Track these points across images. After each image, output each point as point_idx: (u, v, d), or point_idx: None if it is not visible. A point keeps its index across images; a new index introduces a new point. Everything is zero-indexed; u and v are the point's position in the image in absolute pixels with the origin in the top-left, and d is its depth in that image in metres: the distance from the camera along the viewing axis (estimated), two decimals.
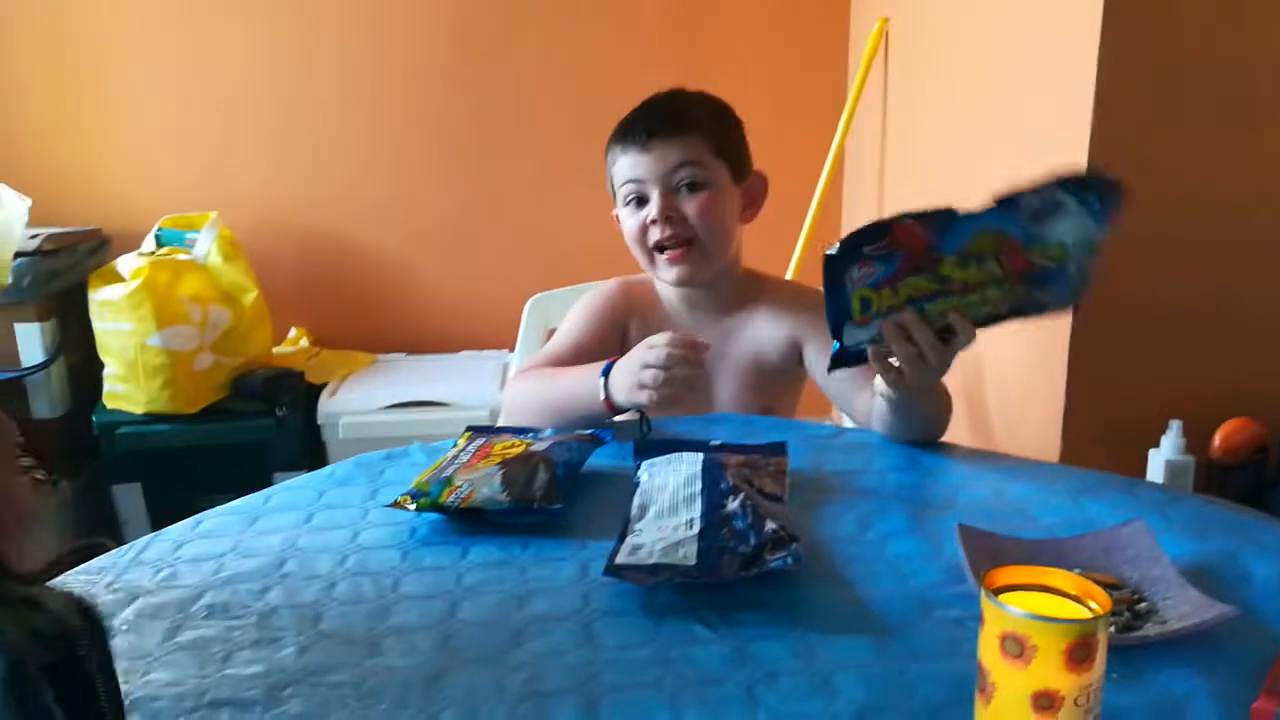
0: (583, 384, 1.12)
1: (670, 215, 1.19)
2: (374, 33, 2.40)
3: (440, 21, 2.41)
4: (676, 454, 0.97)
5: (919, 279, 0.95)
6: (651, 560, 0.78)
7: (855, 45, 2.45)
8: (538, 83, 2.45)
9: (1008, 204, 0.93)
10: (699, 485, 0.88)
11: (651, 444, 1.02)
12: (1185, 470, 1.35)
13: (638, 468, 0.97)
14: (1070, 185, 0.92)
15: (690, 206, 1.19)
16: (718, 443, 1.02)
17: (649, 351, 1.04)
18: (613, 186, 1.26)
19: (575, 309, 1.32)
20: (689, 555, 0.78)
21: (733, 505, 0.85)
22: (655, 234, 1.20)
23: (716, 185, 1.21)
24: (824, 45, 2.49)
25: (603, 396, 1.09)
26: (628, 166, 1.21)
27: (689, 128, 1.20)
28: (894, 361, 0.97)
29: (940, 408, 1.09)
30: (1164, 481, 1.35)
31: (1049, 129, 1.46)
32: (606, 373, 1.09)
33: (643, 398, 1.04)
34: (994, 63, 1.67)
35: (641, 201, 1.21)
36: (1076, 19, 1.34)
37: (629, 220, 1.23)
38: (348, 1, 2.38)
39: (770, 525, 0.82)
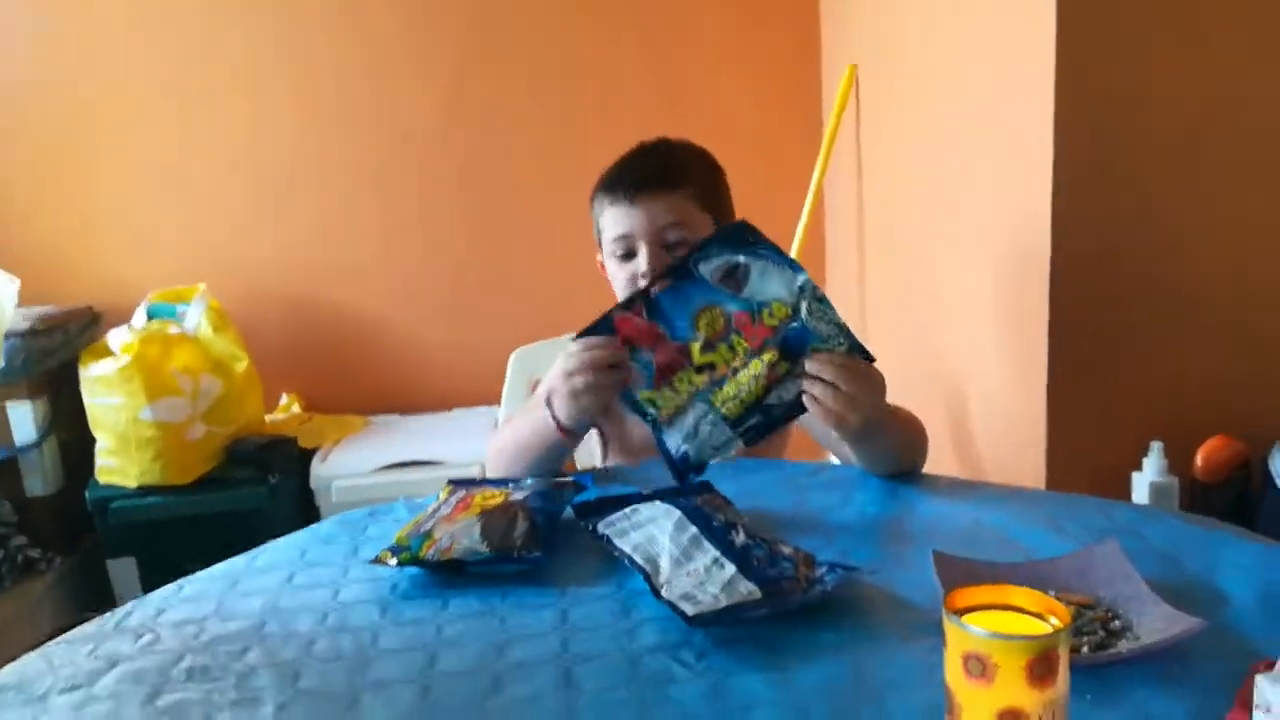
0: (539, 417, 1.13)
1: (657, 270, 1.20)
2: (359, 96, 2.46)
3: (423, 87, 2.47)
4: (630, 509, 0.94)
5: (684, 373, 1.02)
6: (721, 605, 0.76)
7: (828, 90, 2.50)
8: (522, 142, 2.51)
9: (688, 276, 1.01)
10: (693, 529, 0.87)
11: (588, 505, 0.98)
12: (1169, 491, 1.36)
13: (591, 529, 0.92)
14: (720, 244, 1.01)
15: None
16: (649, 491, 0.98)
17: (566, 359, 1.05)
18: (599, 234, 1.28)
19: (531, 401, 1.33)
20: (753, 591, 0.78)
21: (741, 539, 0.86)
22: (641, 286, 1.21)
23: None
24: (798, 91, 2.55)
25: (553, 424, 1.10)
26: (616, 220, 1.22)
27: (676, 184, 1.22)
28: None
29: (905, 437, 1.11)
30: (1149, 503, 1.35)
31: (1014, 164, 1.49)
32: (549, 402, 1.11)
33: (585, 402, 1.04)
34: (957, 103, 1.71)
35: (629, 255, 1.22)
36: (1031, 56, 1.38)
37: (618, 272, 1.24)
38: (332, 66, 2.44)
39: (785, 549, 0.85)
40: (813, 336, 1.00)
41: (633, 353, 1.03)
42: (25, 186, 2.40)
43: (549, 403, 1.10)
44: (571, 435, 1.13)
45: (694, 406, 1.02)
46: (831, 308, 1.00)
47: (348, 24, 2.42)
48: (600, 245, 1.29)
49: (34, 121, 2.38)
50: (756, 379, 1.00)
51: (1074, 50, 1.33)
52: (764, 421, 1.01)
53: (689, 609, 0.76)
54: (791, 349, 1.00)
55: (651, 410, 1.03)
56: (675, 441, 1.03)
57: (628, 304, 1.05)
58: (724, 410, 1.01)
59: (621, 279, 1.23)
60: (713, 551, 0.83)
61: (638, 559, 0.85)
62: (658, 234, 1.20)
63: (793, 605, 0.78)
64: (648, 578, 0.82)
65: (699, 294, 1.02)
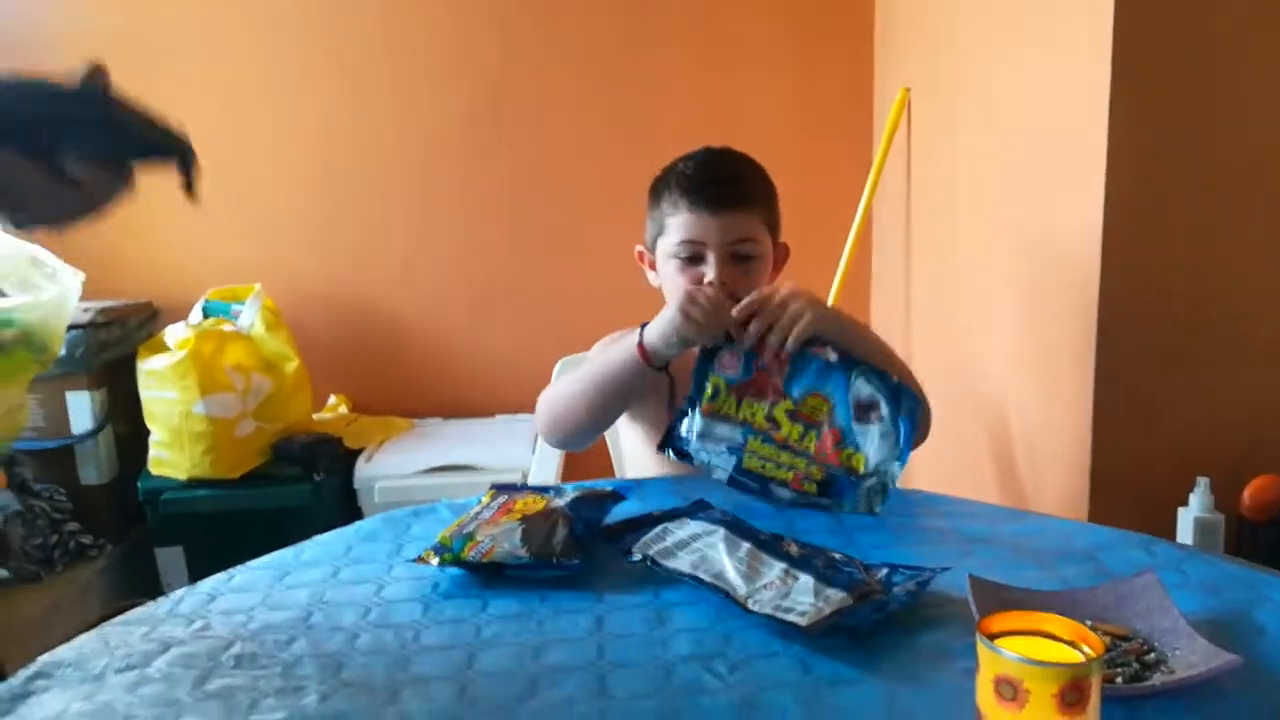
0: (616, 350, 1.18)
1: (724, 282, 1.22)
2: (410, 107, 2.51)
3: (472, 93, 2.51)
4: (659, 529, 0.93)
5: (759, 405, 1.07)
6: (826, 612, 0.76)
7: (879, 112, 2.50)
8: (564, 149, 2.54)
9: (846, 367, 1.06)
10: (746, 544, 0.88)
11: (612, 529, 0.98)
12: (1215, 528, 1.34)
13: (627, 553, 0.91)
14: (892, 392, 1.05)
15: (742, 275, 1.24)
16: (660, 511, 0.98)
17: (695, 290, 1.13)
18: (658, 229, 1.29)
19: (596, 349, 1.36)
20: (845, 597, 0.78)
21: (795, 550, 0.87)
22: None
23: (764, 257, 1.27)
24: (850, 113, 2.55)
25: (637, 344, 1.14)
26: (688, 226, 1.24)
27: (751, 200, 1.26)
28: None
29: (886, 355, 1.18)
30: (1193, 539, 1.33)
31: (1064, 192, 1.48)
32: (643, 327, 1.16)
33: (690, 328, 1.10)
34: (1008, 129, 1.71)
35: (695, 260, 1.25)
36: (1085, 86, 1.38)
37: (678, 274, 1.26)
38: (384, 77, 2.49)
39: (837, 556, 0.87)
40: (849, 498, 1.06)
41: (748, 354, 1.09)
42: None
43: (642, 328, 1.15)
44: (648, 363, 1.15)
45: (734, 428, 1.07)
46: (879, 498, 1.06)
47: (401, 31, 2.48)
48: (653, 239, 1.30)
49: None
50: (787, 469, 1.07)
51: (1129, 80, 1.33)
52: (756, 489, 1.09)
53: (798, 619, 0.76)
54: (827, 485, 1.06)
55: (708, 393, 1.08)
56: (690, 427, 1.08)
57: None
58: (745, 455, 1.08)
59: (681, 281, 1.25)
60: (779, 564, 0.84)
61: (706, 578, 0.84)
62: (730, 246, 1.23)
63: (891, 606, 0.79)
64: (729, 595, 0.81)
65: (832, 385, 1.07)
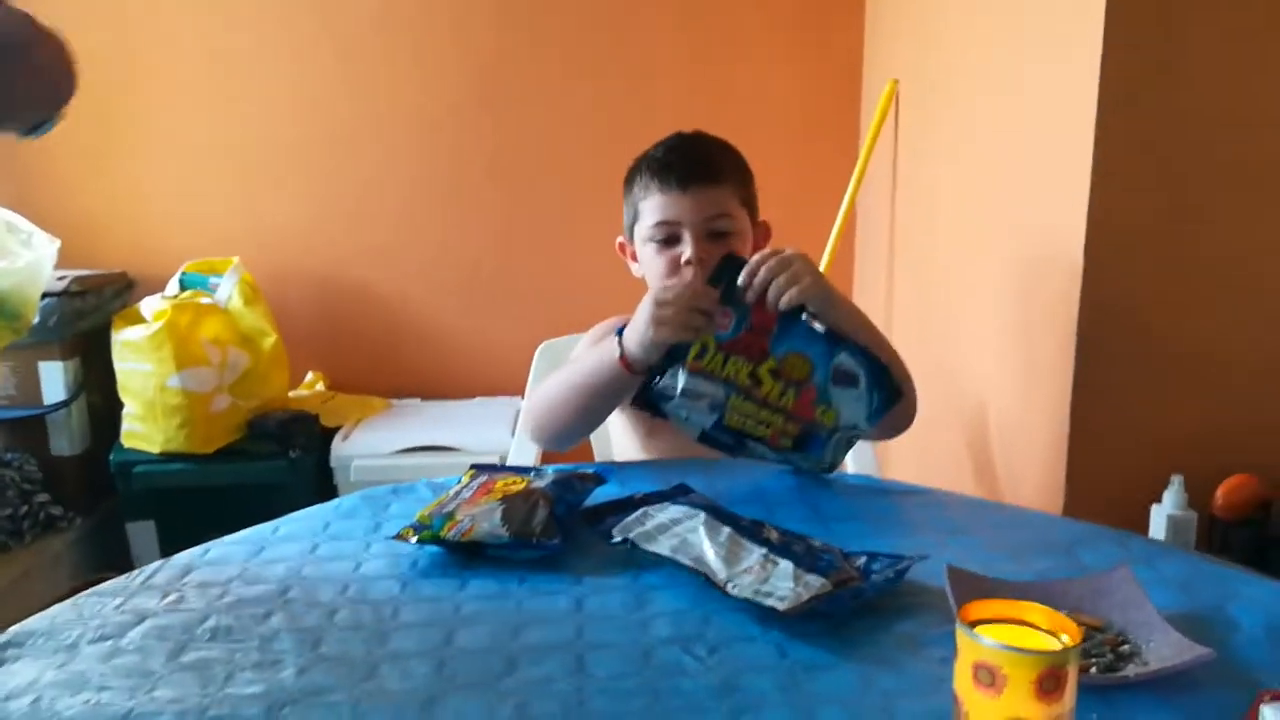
0: (598, 355, 1.17)
1: (703, 259, 1.22)
2: (400, 84, 2.49)
3: (459, 73, 2.49)
4: (639, 513, 0.93)
5: (744, 363, 1.08)
6: (804, 598, 0.76)
7: (867, 105, 2.51)
8: (553, 133, 2.53)
9: (832, 342, 1.07)
10: (726, 529, 0.88)
11: (591, 511, 0.98)
12: (1187, 525, 1.36)
13: (608, 536, 0.91)
14: (873, 370, 1.07)
15: (718, 252, 1.22)
16: (640, 495, 0.99)
17: (664, 292, 1.10)
18: (633, 216, 1.30)
19: (584, 341, 1.36)
20: (824, 583, 0.78)
21: (775, 536, 0.87)
22: (686, 275, 1.23)
23: (741, 233, 1.27)
24: (837, 103, 2.55)
25: (618, 355, 1.13)
26: (661, 207, 1.25)
27: (723, 176, 1.26)
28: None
29: (875, 337, 1.17)
30: (1166, 536, 1.35)
31: (1049, 190, 1.49)
32: (620, 333, 1.14)
33: (664, 333, 1.08)
34: (995, 124, 1.71)
35: (671, 241, 1.25)
36: (1073, 83, 1.39)
37: (656, 257, 1.26)
38: (374, 53, 2.47)
39: (815, 544, 0.87)
40: (815, 453, 1.10)
41: (741, 313, 1.09)
42: (68, 151, 2.43)
43: (620, 334, 1.13)
44: (631, 372, 1.13)
45: (717, 386, 1.08)
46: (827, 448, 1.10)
47: (394, 7, 2.45)
48: (630, 228, 1.30)
49: (80, 90, 2.42)
50: (765, 426, 1.09)
51: (1118, 79, 1.33)
52: (731, 444, 1.11)
53: (777, 604, 0.76)
54: (801, 440, 1.09)
55: (695, 349, 1.08)
56: (673, 383, 1.09)
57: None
58: (727, 411, 1.08)
59: (660, 264, 1.25)
60: (758, 549, 0.84)
61: (686, 561, 0.84)
62: (705, 223, 1.23)
63: (868, 594, 0.80)
64: (709, 578, 0.82)
65: (816, 350, 1.07)
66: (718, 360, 1.08)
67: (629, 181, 1.31)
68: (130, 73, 2.43)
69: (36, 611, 0.81)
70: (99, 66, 2.40)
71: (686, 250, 1.23)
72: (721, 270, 1.10)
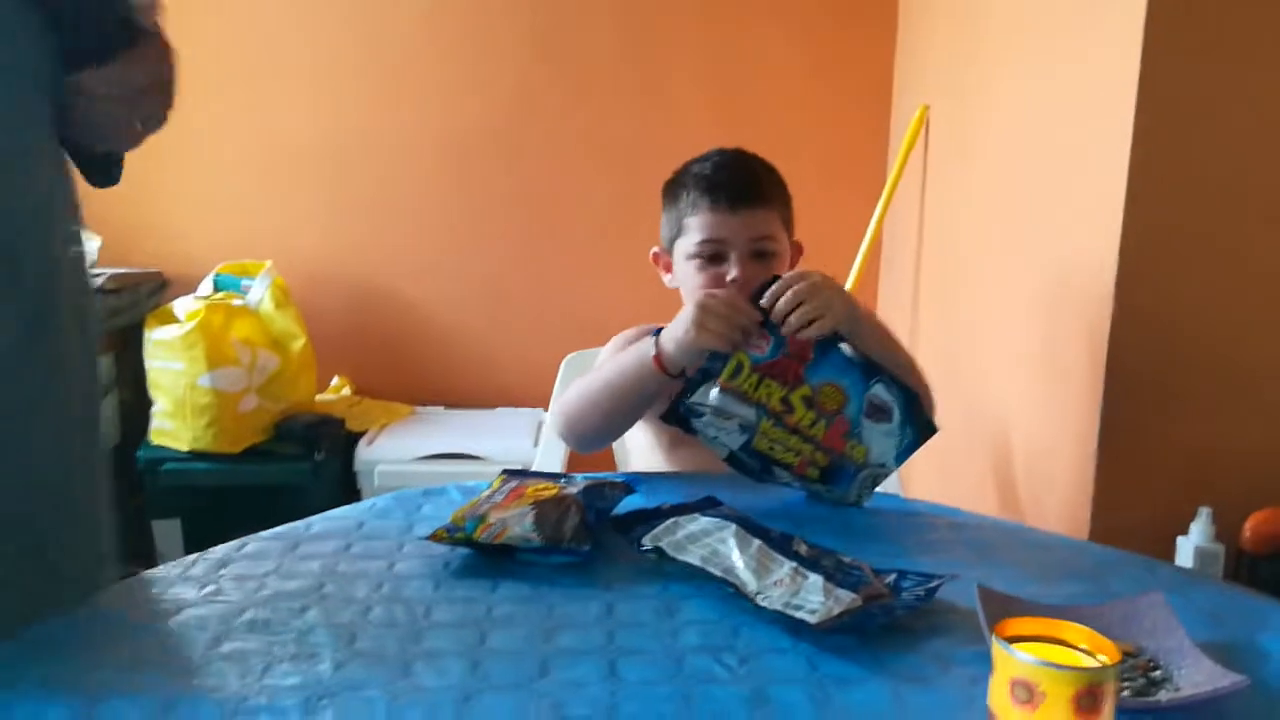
0: (633, 354, 1.17)
1: (747, 279, 1.22)
2: (432, 100, 2.52)
3: (490, 89, 2.52)
4: (670, 523, 0.93)
5: (777, 387, 1.08)
6: (835, 611, 0.77)
7: (896, 129, 2.52)
8: (580, 150, 2.55)
9: (868, 371, 1.08)
10: (757, 541, 0.88)
11: (621, 520, 0.98)
12: (1214, 558, 1.35)
13: (637, 545, 0.91)
14: (907, 402, 1.08)
15: (763, 273, 1.23)
16: (669, 505, 0.99)
17: (708, 299, 1.10)
18: (676, 231, 1.30)
19: (606, 349, 1.37)
20: (854, 598, 0.79)
21: (805, 550, 0.88)
22: None
23: (782, 254, 1.29)
24: (867, 128, 2.57)
25: (653, 354, 1.13)
26: (710, 225, 1.26)
27: (770, 199, 1.28)
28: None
29: (902, 358, 1.19)
30: (1193, 568, 1.34)
31: (1080, 215, 1.49)
32: (657, 334, 1.15)
33: (704, 338, 1.08)
34: (1027, 151, 1.72)
35: (715, 259, 1.26)
36: (1110, 111, 1.39)
37: (698, 273, 1.27)
38: (403, 68, 2.51)
39: (845, 559, 0.87)
40: (843, 488, 1.10)
41: (779, 337, 1.09)
42: None
43: (658, 336, 1.14)
44: (665, 373, 1.13)
45: (749, 408, 1.08)
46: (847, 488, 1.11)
47: (430, 25, 2.49)
48: (671, 240, 1.31)
49: None
50: (794, 454, 1.09)
51: (1154, 108, 1.33)
52: (757, 469, 1.11)
53: (808, 617, 0.76)
54: (829, 473, 1.10)
55: (730, 368, 1.08)
56: (705, 399, 1.08)
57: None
58: (756, 435, 1.09)
59: (700, 280, 1.26)
60: (789, 562, 0.84)
61: (716, 572, 0.85)
62: (751, 244, 1.25)
63: (898, 611, 0.80)
64: (739, 589, 0.82)
65: (851, 380, 1.08)
66: (751, 381, 1.08)
67: (672, 195, 1.31)
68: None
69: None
70: None
71: (732, 270, 1.24)
72: (764, 292, 1.11)
